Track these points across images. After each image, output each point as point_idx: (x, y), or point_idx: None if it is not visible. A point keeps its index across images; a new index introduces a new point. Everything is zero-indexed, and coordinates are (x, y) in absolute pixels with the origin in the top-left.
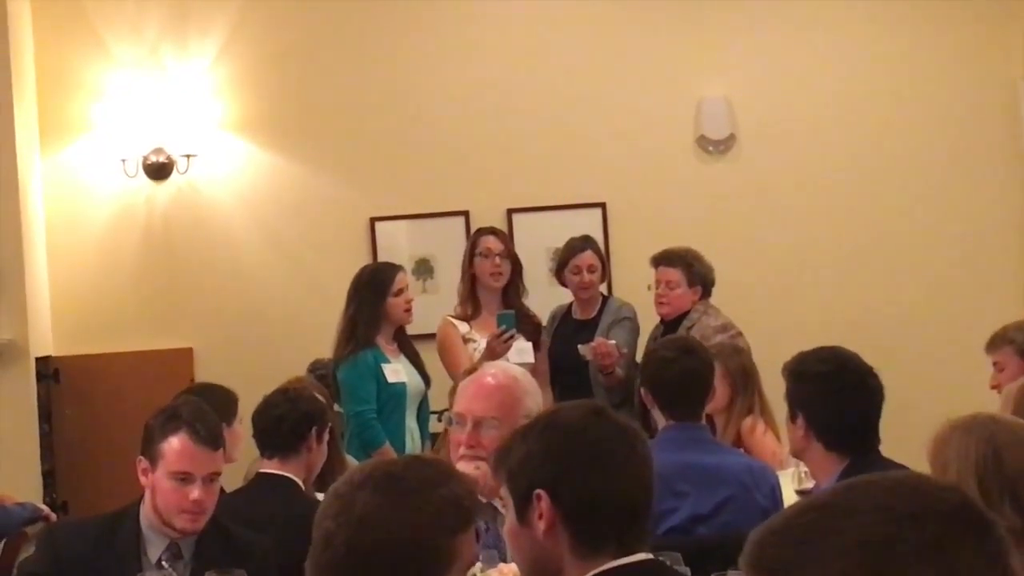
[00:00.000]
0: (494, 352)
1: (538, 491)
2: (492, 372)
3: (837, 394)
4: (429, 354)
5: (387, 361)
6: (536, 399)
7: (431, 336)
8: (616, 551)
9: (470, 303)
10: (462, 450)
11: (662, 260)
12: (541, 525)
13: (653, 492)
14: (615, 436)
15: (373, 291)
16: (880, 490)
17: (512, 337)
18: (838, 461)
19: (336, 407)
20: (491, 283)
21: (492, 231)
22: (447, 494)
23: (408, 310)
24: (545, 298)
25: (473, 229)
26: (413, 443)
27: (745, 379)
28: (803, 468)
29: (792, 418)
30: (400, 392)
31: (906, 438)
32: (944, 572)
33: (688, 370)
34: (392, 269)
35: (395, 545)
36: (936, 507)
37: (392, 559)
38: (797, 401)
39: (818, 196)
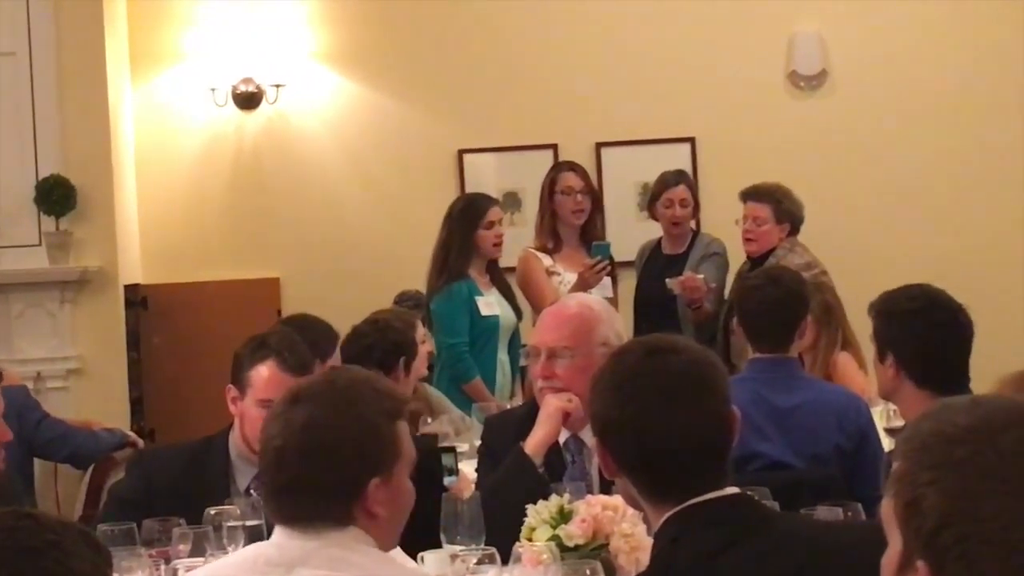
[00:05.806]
0: (587, 283)
1: (596, 441)
2: (568, 302)
3: (927, 331)
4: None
5: (480, 294)
6: (614, 328)
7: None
8: (684, 494)
9: (551, 237)
10: (540, 383)
11: (751, 195)
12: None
13: (725, 430)
14: (670, 377)
15: (464, 221)
16: None
17: (606, 268)
18: (930, 399)
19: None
20: (573, 220)
21: (572, 167)
22: (377, 386)
23: (497, 244)
24: (633, 233)
25: None
26: (504, 376)
27: (828, 316)
28: (891, 406)
29: (881, 358)
30: (493, 325)
31: (996, 375)
32: None
33: (771, 298)
34: (486, 201)
35: (342, 439)
36: None
37: (343, 453)
38: (886, 340)
39: (910, 133)
